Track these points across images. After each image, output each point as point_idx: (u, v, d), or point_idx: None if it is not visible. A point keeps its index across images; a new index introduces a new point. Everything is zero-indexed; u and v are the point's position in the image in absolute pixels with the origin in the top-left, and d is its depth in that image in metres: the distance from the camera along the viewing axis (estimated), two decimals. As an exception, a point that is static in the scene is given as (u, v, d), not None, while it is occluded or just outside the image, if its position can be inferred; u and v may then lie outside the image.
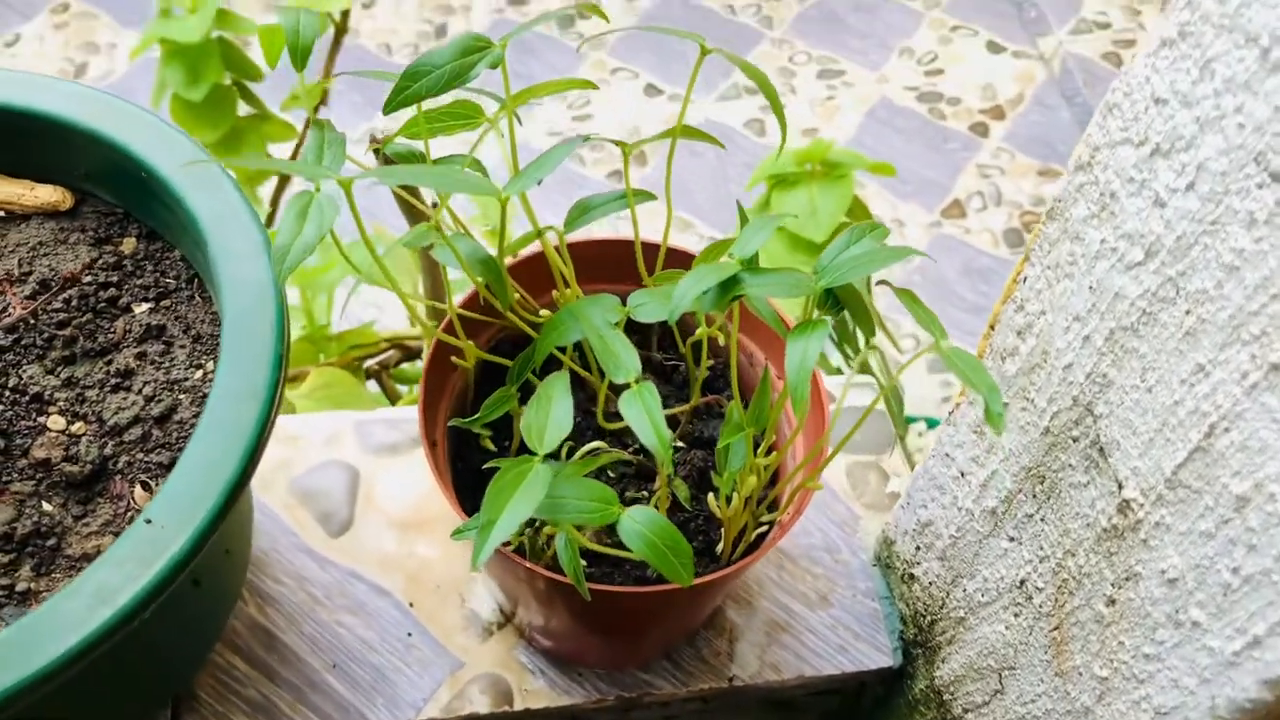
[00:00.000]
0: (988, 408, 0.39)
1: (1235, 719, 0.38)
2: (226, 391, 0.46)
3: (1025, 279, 0.47)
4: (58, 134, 0.53)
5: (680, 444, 0.56)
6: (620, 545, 0.42)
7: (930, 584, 0.61)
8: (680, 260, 0.55)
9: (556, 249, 0.50)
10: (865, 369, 0.42)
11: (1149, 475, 0.40)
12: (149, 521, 0.43)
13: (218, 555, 0.52)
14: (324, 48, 1.32)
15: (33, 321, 0.51)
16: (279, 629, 0.62)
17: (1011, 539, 0.52)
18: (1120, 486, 0.42)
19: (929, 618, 0.61)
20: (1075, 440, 0.45)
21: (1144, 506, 0.41)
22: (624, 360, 0.42)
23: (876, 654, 0.64)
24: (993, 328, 0.51)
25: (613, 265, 0.58)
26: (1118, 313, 0.41)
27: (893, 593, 0.66)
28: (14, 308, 0.51)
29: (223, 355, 0.47)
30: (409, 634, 0.63)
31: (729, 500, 0.50)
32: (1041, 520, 0.49)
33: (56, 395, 0.50)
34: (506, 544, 0.50)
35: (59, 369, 0.51)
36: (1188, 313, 0.37)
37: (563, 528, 0.46)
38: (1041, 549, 0.49)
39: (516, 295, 0.52)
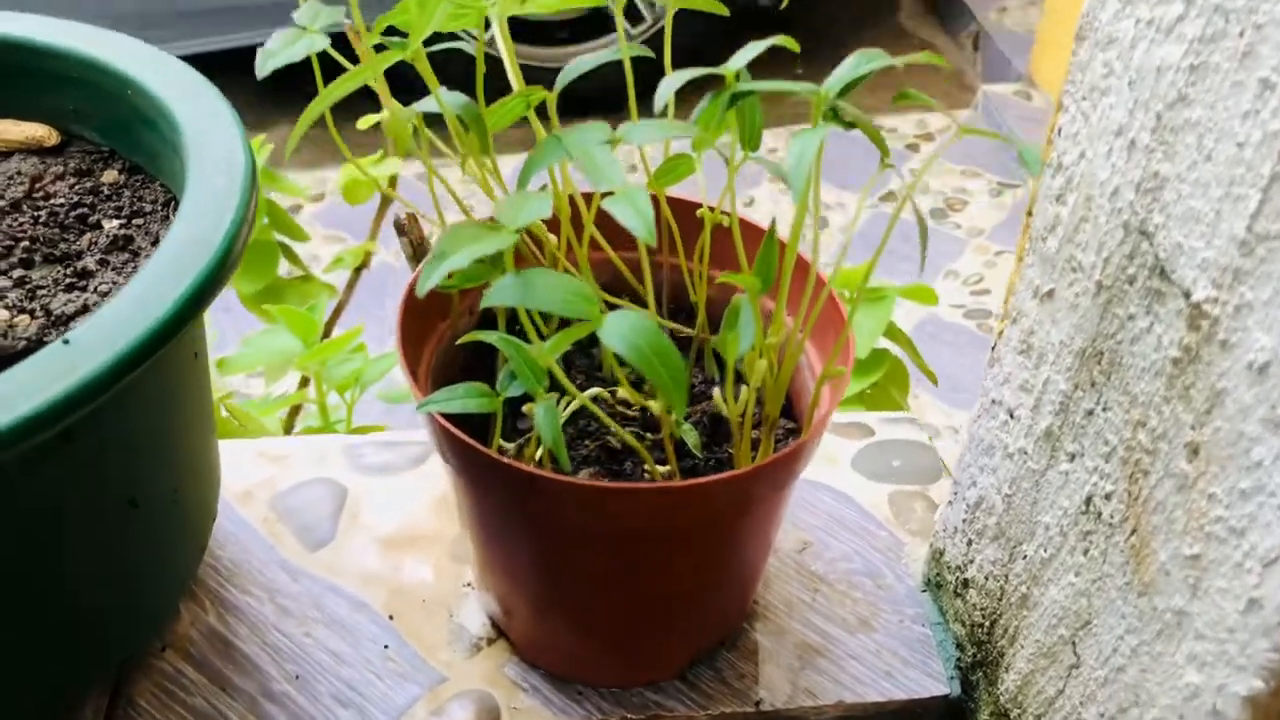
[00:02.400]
0: (1021, 154, 0.33)
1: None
2: (179, 238, 0.42)
3: (1060, 130, 0.43)
4: (46, 63, 0.52)
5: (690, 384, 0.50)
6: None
7: (986, 578, 0.52)
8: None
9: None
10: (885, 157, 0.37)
11: (1221, 254, 0.34)
12: (66, 342, 0.38)
13: (161, 468, 0.46)
14: (370, 211, 1.35)
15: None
16: (239, 638, 0.55)
17: (1071, 455, 0.44)
18: (1188, 296, 0.36)
19: (987, 623, 0.53)
20: (1132, 281, 0.39)
21: (1219, 299, 0.35)
22: (608, 170, 0.38)
23: (929, 681, 0.55)
24: (1030, 213, 0.46)
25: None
26: (1162, 91, 0.36)
27: (945, 615, 0.57)
28: (-22, 220, 0.48)
29: (181, 208, 0.43)
30: (386, 646, 0.55)
31: (737, 396, 0.44)
32: (1104, 409, 0.42)
33: (6, 293, 0.46)
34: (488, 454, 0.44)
35: (13, 270, 0.47)
36: (1241, 34, 0.33)
37: (541, 399, 0.40)
38: (1106, 443, 0.42)
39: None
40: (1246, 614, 0.35)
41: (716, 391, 0.46)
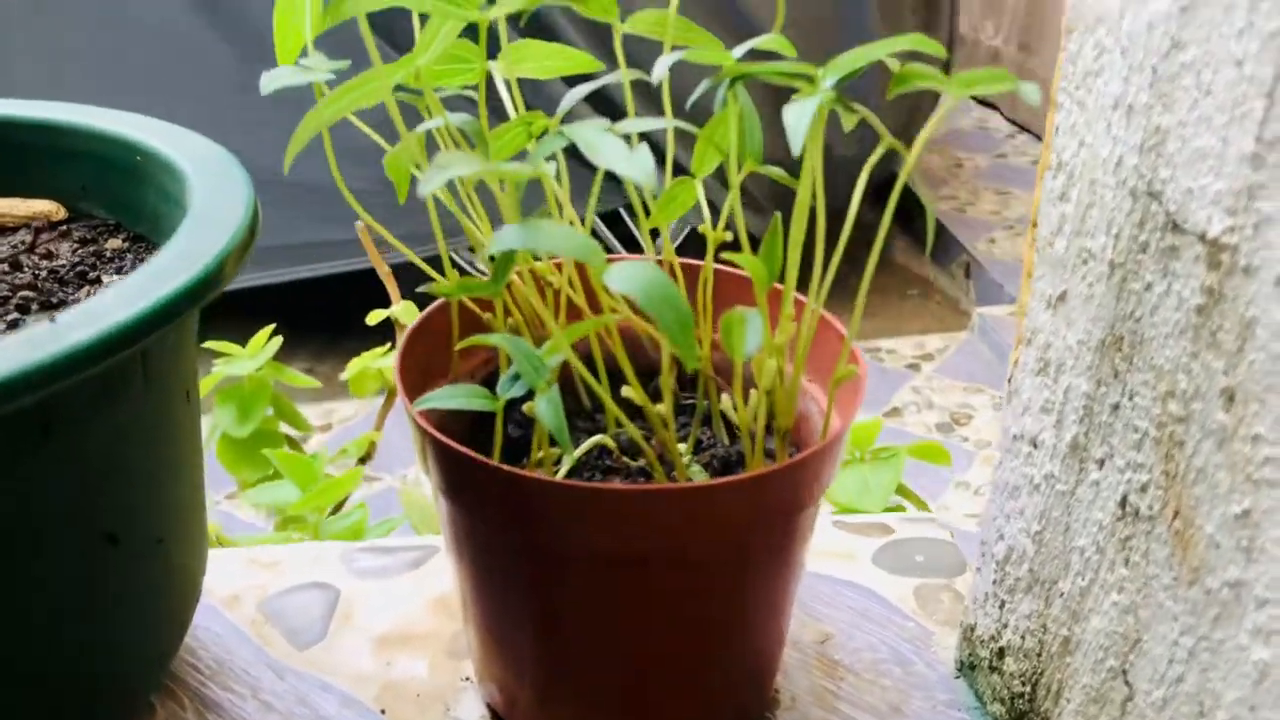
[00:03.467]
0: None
1: None
2: (178, 247, 0.41)
3: (1057, 127, 0.43)
4: (54, 139, 0.53)
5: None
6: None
7: (1023, 638, 0.49)
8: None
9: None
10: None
11: (1232, 179, 0.34)
12: (53, 320, 0.36)
13: (146, 508, 0.44)
14: (378, 404, 1.35)
15: (-8, 286, 0.48)
16: (218, 733, 0.51)
17: (1100, 461, 0.42)
18: (1203, 237, 0.35)
19: (1028, 689, 0.48)
20: (1145, 248, 0.38)
21: (1235, 226, 0.34)
22: (605, 148, 0.38)
23: (971, 764, 0.50)
24: (1034, 224, 0.45)
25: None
26: (1155, 44, 0.37)
27: (981, 698, 0.52)
28: (-23, 277, 0.48)
29: (183, 225, 0.43)
30: (377, 738, 0.50)
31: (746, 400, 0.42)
32: (1130, 397, 0.40)
33: (-2, 334, 0.45)
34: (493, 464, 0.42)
35: (8, 315, 0.46)
36: (1225, -40, 0.33)
37: (543, 392, 0.39)
38: (1136, 430, 0.40)
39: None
40: (1310, 556, 0.32)
41: (725, 398, 0.44)
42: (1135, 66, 0.38)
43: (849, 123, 0.42)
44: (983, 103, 3.39)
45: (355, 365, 1.26)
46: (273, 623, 0.57)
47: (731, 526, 0.41)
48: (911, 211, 2.95)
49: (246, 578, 0.60)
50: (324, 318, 2.19)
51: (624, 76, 0.45)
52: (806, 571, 0.58)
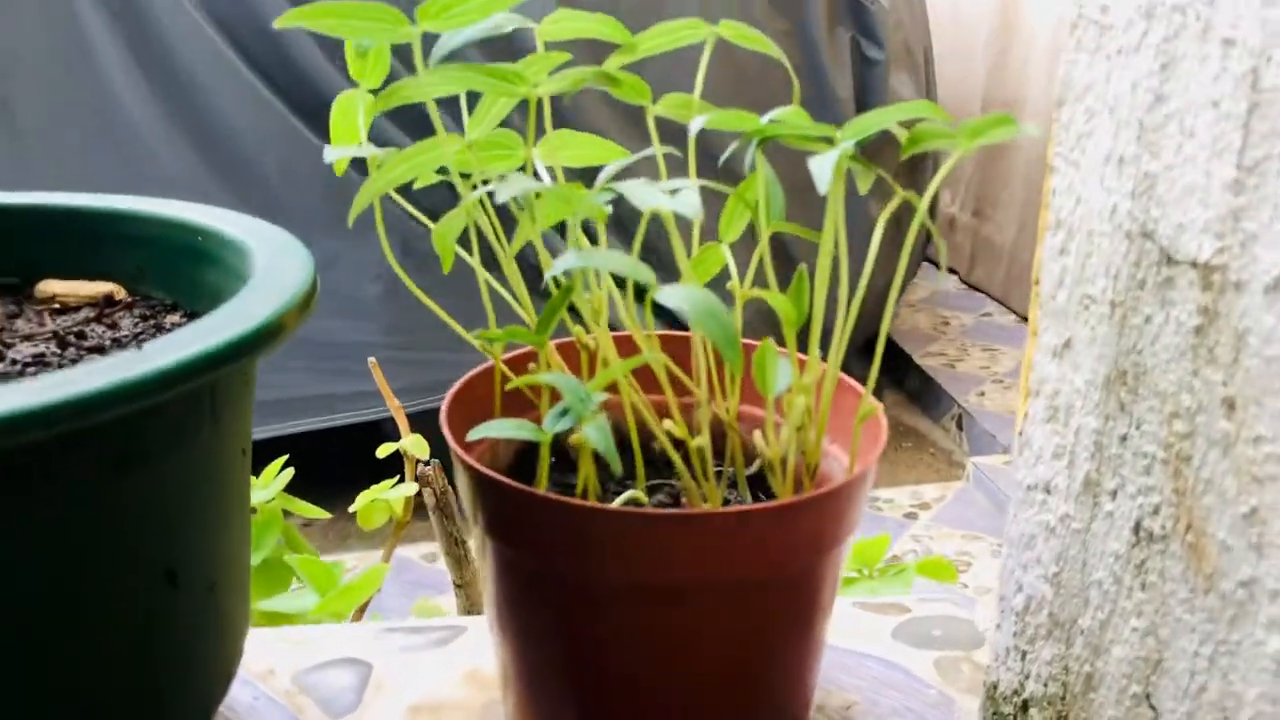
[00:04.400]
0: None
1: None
2: (246, 297, 0.45)
3: (1054, 189, 0.47)
4: (117, 226, 0.57)
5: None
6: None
7: (1046, 684, 0.50)
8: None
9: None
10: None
11: (1218, 205, 0.37)
12: (140, 348, 0.39)
13: (202, 549, 0.46)
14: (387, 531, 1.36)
15: (58, 350, 0.51)
16: (256, 793, 0.51)
17: (1113, 492, 0.44)
18: (1195, 263, 0.39)
19: (1055, 736, 0.49)
20: (1143, 285, 0.42)
21: (1224, 246, 0.37)
22: (652, 194, 0.42)
23: (1001, 815, 0.50)
24: (1036, 282, 0.49)
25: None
26: (1139, 101, 0.41)
27: (1009, 755, 0.53)
28: (42, 344, 0.51)
29: (250, 283, 0.46)
30: (413, 796, 0.51)
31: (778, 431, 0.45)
32: (1138, 426, 0.43)
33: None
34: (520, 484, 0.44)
35: (72, 364, 0.49)
36: (1198, 16, 0.38)
37: (590, 420, 0.41)
38: (1145, 456, 0.42)
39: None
40: (1315, 540, 0.35)
41: (757, 434, 0.47)
42: (1123, 122, 0.42)
43: (864, 183, 0.46)
44: (967, 283, 3.47)
45: (364, 497, 1.27)
46: (307, 693, 0.58)
47: (766, 556, 0.43)
48: (900, 368, 3.01)
49: (280, 653, 0.61)
50: (327, 468, 2.21)
51: (657, 150, 0.49)
52: (829, 645, 0.59)
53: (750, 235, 0.47)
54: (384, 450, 1.29)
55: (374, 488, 1.19)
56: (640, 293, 0.45)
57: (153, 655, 0.45)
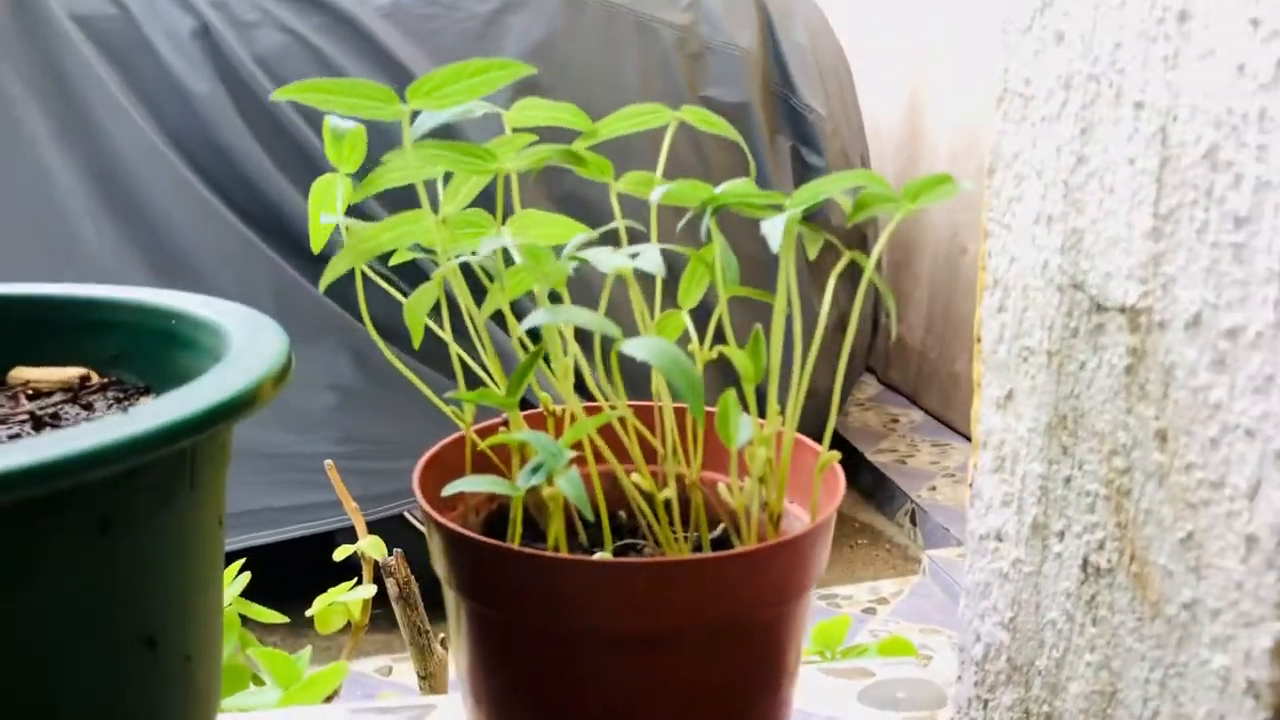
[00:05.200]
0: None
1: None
2: (224, 370, 0.46)
3: (990, 253, 0.50)
4: (90, 313, 0.58)
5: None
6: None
7: (1008, 729, 0.51)
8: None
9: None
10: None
11: (1140, 251, 0.41)
12: (125, 411, 0.41)
13: (179, 617, 0.46)
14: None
15: (33, 431, 0.52)
16: None
17: (1060, 533, 0.47)
18: (1123, 308, 0.42)
19: (1020, 781, 0.51)
20: (1075, 333, 0.45)
21: (1147, 290, 0.40)
22: (614, 257, 0.44)
23: None
24: (978, 339, 0.52)
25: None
26: (1064, 164, 0.45)
27: (976, 805, 0.54)
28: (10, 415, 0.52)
29: (227, 357, 0.48)
30: None
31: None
32: (1079, 466, 0.45)
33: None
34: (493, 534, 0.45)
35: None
36: (1111, 84, 0.42)
37: (561, 473, 0.43)
38: (1088, 494, 0.45)
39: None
40: (1249, 557, 0.37)
41: (721, 486, 0.48)
42: (1050, 184, 0.46)
43: (813, 247, 0.49)
44: (883, 382, 3.51)
45: (322, 600, 1.26)
46: (277, 775, 0.58)
47: (735, 603, 0.45)
48: (852, 465, 3.04)
49: (248, 738, 0.61)
50: (282, 573, 2.18)
51: (620, 223, 0.52)
52: (797, 710, 0.60)
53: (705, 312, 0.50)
54: (341, 553, 1.28)
55: (331, 591, 1.18)
56: (605, 355, 0.47)
57: (129, 717, 0.45)
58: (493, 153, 0.48)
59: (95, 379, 0.59)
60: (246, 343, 0.50)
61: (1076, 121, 0.44)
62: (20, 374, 0.59)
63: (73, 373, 0.59)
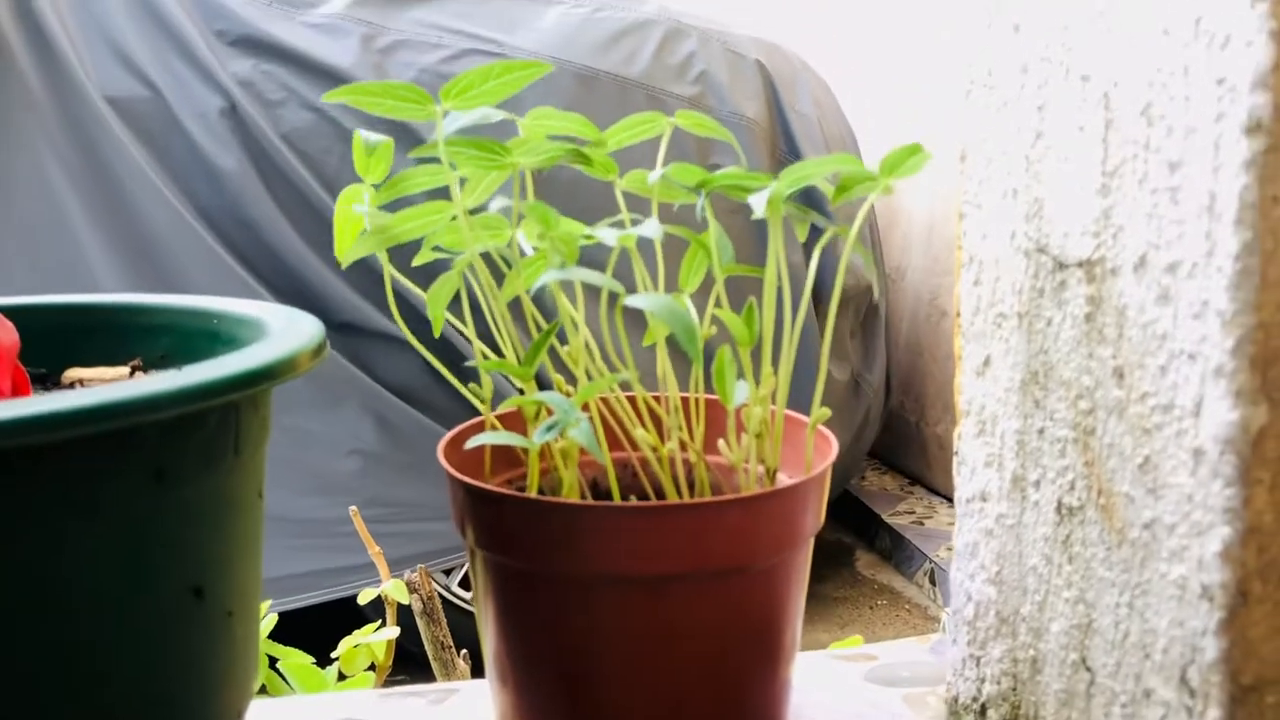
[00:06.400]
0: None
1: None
2: (266, 343, 0.51)
3: (965, 233, 0.55)
4: (138, 318, 0.63)
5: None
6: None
7: (999, 680, 0.54)
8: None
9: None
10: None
11: (1091, 209, 0.45)
12: (179, 369, 0.45)
13: (224, 574, 0.50)
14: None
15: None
16: (267, 825, 0.54)
17: (1036, 482, 0.50)
18: (1080, 262, 0.46)
19: (1011, 729, 0.54)
20: (1041, 292, 0.49)
21: (1099, 242, 0.45)
22: (615, 233, 0.49)
23: (969, 810, 0.54)
24: (958, 314, 0.56)
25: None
26: (1025, 139, 0.49)
27: (974, 762, 0.57)
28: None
29: (266, 338, 0.52)
30: (417, 820, 0.54)
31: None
32: (1051, 418, 0.49)
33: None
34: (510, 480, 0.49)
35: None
36: (1062, 62, 0.47)
37: (576, 424, 0.47)
38: (1059, 441, 0.48)
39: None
40: (1197, 470, 0.41)
41: (721, 442, 0.52)
42: (1015, 158, 0.50)
43: (801, 230, 0.53)
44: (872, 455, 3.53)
45: (347, 643, 1.29)
46: (310, 749, 0.61)
47: (737, 547, 0.48)
48: (870, 528, 3.06)
49: (284, 713, 0.64)
50: (304, 617, 2.21)
51: (624, 216, 0.56)
52: (802, 688, 0.63)
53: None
54: (365, 596, 1.32)
55: (356, 633, 1.21)
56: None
57: (173, 669, 0.49)
58: (509, 149, 0.53)
59: (143, 374, 0.63)
60: (285, 327, 0.55)
61: (1034, 100, 0.49)
62: (74, 373, 0.63)
63: (123, 371, 0.63)
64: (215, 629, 0.50)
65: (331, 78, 2.22)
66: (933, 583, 2.76)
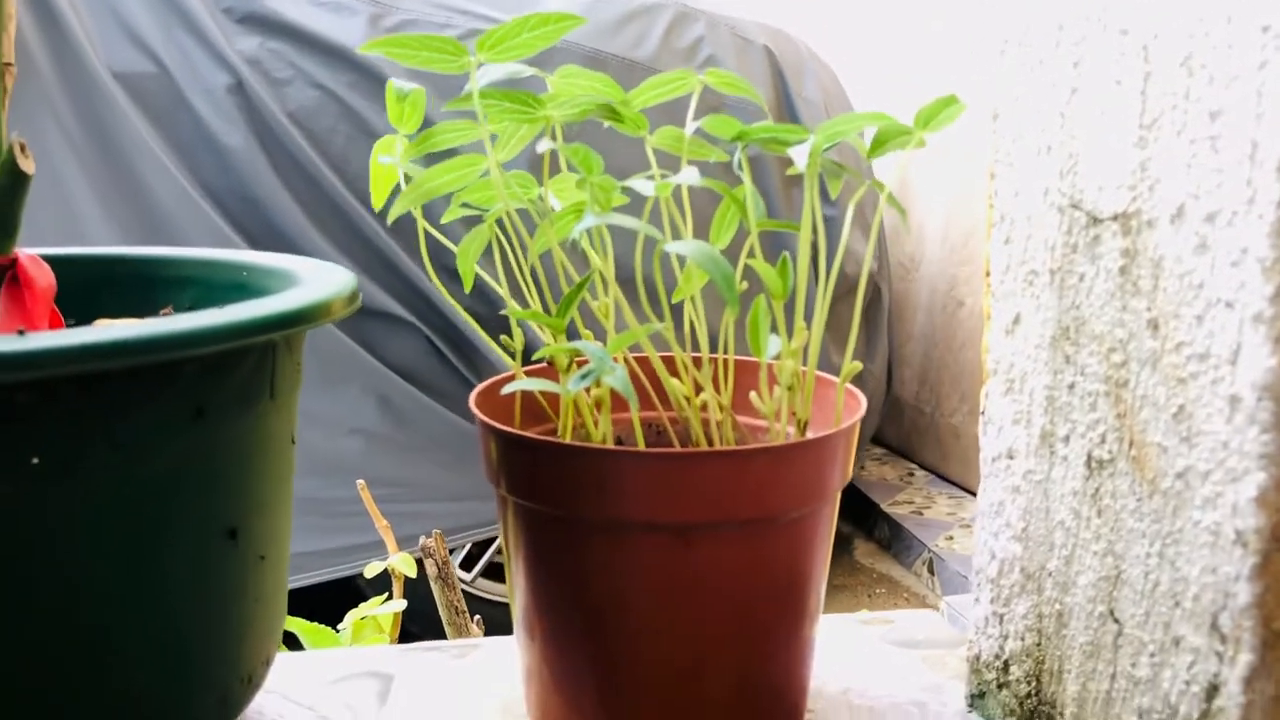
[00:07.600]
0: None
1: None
2: (299, 290, 0.51)
3: (996, 192, 0.55)
4: (166, 270, 0.63)
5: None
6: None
7: (1023, 636, 0.55)
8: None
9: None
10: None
11: (1128, 162, 0.45)
12: (221, 308, 0.45)
13: (258, 516, 0.51)
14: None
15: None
16: (295, 770, 0.54)
17: (1066, 437, 0.51)
18: (1115, 216, 0.46)
19: (1034, 686, 0.54)
20: (1075, 248, 0.49)
21: (1135, 195, 0.45)
22: (652, 183, 0.49)
23: (991, 764, 0.54)
24: (988, 274, 0.56)
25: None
26: (1060, 96, 0.49)
27: None
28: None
29: (300, 285, 0.53)
30: (444, 767, 0.54)
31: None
32: (1081, 372, 0.49)
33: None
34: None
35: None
36: (1100, 19, 0.47)
37: (610, 372, 0.48)
38: (1090, 395, 0.49)
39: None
40: (1233, 417, 0.41)
41: (753, 394, 0.53)
42: (1049, 114, 0.50)
43: (835, 186, 0.53)
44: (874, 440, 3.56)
45: (354, 614, 1.29)
46: (334, 698, 0.61)
47: (766, 497, 0.49)
48: (870, 517, 3.06)
49: (305, 667, 0.64)
50: (308, 591, 2.21)
51: (655, 171, 0.57)
52: (823, 649, 0.64)
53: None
54: (372, 569, 1.32)
55: (363, 605, 1.21)
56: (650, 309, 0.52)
57: (207, 610, 0.49)
58: (542, 102, 0.53)
59: (172, 328, 0.63)
60: (317, 274, 0.55)
61: (1070, 55, 0.49)
62: (103, 324, 0.64)
63: (153, 320, 0.63)
64: (248, 572, 0.51)
65: (339, 56, 2.22)
66: (931, 572, 2.77)
